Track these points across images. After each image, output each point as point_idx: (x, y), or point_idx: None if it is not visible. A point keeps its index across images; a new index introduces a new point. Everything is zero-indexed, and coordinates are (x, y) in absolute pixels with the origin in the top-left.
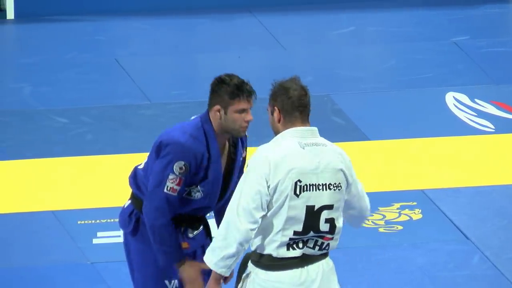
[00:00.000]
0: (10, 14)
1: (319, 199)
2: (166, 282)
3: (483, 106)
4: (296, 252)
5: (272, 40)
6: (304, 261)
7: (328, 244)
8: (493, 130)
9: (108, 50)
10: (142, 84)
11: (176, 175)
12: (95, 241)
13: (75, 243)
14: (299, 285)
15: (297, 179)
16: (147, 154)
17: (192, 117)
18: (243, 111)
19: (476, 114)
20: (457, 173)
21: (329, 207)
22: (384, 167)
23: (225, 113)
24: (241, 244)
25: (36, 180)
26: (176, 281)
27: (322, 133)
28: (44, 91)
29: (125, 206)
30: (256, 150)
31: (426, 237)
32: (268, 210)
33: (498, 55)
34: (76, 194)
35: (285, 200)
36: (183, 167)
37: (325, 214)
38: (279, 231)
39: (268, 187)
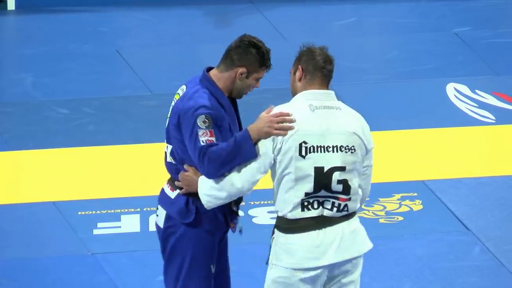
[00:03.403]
0: (11, 5)
1: (328, 160)
2: (211, 266)
3: (484, 97)
4: (311, 213)
5: (273, 31)
6: (322, 223)
7: (346, 205)
8: (494, 121)
9: (110, 41)
10: (143, 75)
11: (203, 128)
12: (95, 232)
13: (76, 234)
14: (316, 247)
15: (302, 141)
16: (149, 144)
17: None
18: (259, 79)
19: (477, 105)
20: (457, 164)
21: (341, 168)
22: (385, 157)
23: (247, 77)
24: (230, 197)
25: (37, 171)
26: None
27: None
28: (45, 82)
29: (173, 197)
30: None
31: (427, 228)
32: (277, 170)
33: (499, 46)
34: (77, 185)
35: (290, 161)
36: (206, 120)
37: (336, 176)
38: (289, 189)
39: (274, 147)
